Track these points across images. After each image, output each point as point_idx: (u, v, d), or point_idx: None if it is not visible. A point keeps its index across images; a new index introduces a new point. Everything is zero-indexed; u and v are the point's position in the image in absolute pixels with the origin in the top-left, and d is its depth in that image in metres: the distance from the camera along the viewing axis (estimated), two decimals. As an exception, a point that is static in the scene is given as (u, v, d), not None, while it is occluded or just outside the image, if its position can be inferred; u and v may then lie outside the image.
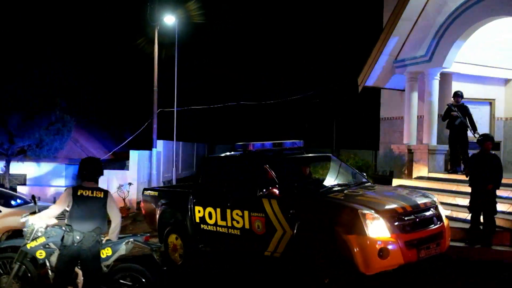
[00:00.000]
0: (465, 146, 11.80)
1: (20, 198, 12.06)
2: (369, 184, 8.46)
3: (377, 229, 6.38)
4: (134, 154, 18.04)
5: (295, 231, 7.01)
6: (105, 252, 6.31)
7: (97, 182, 6.25)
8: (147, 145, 19.55)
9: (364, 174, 8.98)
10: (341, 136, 25.73)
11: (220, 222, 8.24)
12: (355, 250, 6.30)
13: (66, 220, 6.05)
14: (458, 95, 11.99)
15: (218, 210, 8.26)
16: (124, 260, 6.89)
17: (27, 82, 18.56)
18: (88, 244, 5.92)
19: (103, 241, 6.30)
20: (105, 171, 17.44)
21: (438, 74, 12.97)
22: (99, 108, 29.56)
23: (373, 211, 6.50)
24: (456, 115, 11.78)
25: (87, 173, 6.18)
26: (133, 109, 29.10)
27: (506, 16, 11.30)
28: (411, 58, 13.33)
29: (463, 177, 9.90)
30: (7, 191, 13.16)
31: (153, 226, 9.98)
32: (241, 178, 8.44)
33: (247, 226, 7.76)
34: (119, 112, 30.40)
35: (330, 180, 8.49)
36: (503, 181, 8.90)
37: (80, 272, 6.19)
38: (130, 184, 16.87)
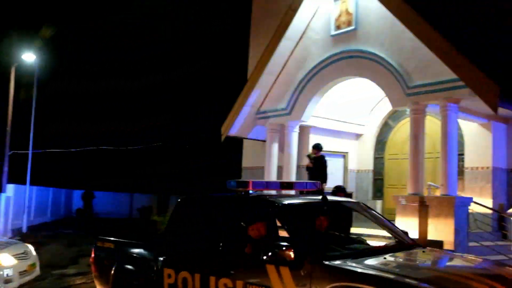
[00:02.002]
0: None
1: None
2: (423, 248, 6.03)
3: None
4: (-21, 199, 16.57)
5: None
6: None
7: None
8: (-4, 189, 18.11)
9: (407, 232, 6.44)
10: (205, 184, 25.81)
11: None
12: None
13: None
14: (315, 147, 12.53)
15: (197, 276, 5.78)
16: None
17: None
18: None
19: None
20: None
21: (297, 127, 13.56)
22: None
23: None
24: (309, 166, 12.27)
25: None
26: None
27: (355, 77, 12.21)
28: (272, 110, 13.83)
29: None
30: None
31: None
32: (234, 232, 6.02)
33: None
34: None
35: (364, 239, 6.47)
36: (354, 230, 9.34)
37: None
38: (-28, 232, 15.41)
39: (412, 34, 10.39)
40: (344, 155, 15.06)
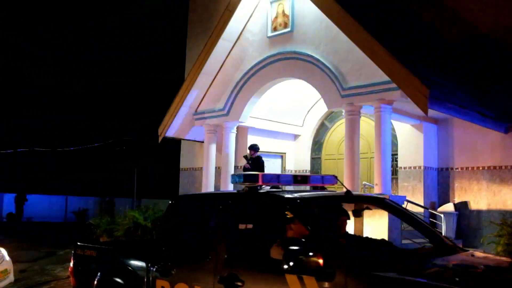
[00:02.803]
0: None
1: None
2: (469, 251, 5.07)
3: None
4: None
5: None
6: None
7: None
8: None
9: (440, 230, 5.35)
10: (143, 185, 25.41)
11: None
12: None
13: None
14: (251, 148, 12.58)
15: None
16: None
17: None
18: None
19: None
20: None
21: (235, 128, 13.54)
22: None
23: None
24: (247, 167, 12.30)
25: None
26: None
27: (292, 78, 12.33)
28: (210, 111, 13.75)
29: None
30: None
31: None
32: (242, 236, 5.13)
33: None
34: None
35: (389, 241, 5.52)
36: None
37: None
38: None
39: (347, 36, 10.57)
40: (282, 156, 15.16)
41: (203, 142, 14.49)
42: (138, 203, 22.92)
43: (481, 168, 11.87)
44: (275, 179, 5.14)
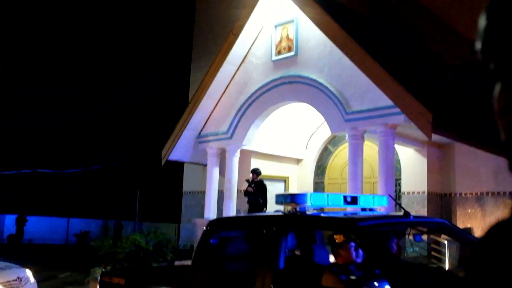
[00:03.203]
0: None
1: None
2: None
3: None
4: None
5: None
6: None
7: None
8: None
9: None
10: (145, 208, 25.32)
11: None
12: None
13: None
14: (254, 171, 12.56)
15: None
16: None
17: None
18: None
19: None
20: None
21: (238, 151, 13.52)
22: None
23: None
24: (250, 191, 12.27)
25: None
26: None
27: (296, 102, 12.37)
28: (213, 134, 13.76)
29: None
30: None
31: None
32: (289, 262, 4.55)
33: None
34: None
35: (448, 268, 4.99)
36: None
37: None
38: None
39: (350, 60, 10.62)
40: (285, 180, 15.11)
41: (206, 165, 14.47)
42: (139, 227, 22.82)
43: (484, 194, 11.80)
44: (325, 200, 4.81)
